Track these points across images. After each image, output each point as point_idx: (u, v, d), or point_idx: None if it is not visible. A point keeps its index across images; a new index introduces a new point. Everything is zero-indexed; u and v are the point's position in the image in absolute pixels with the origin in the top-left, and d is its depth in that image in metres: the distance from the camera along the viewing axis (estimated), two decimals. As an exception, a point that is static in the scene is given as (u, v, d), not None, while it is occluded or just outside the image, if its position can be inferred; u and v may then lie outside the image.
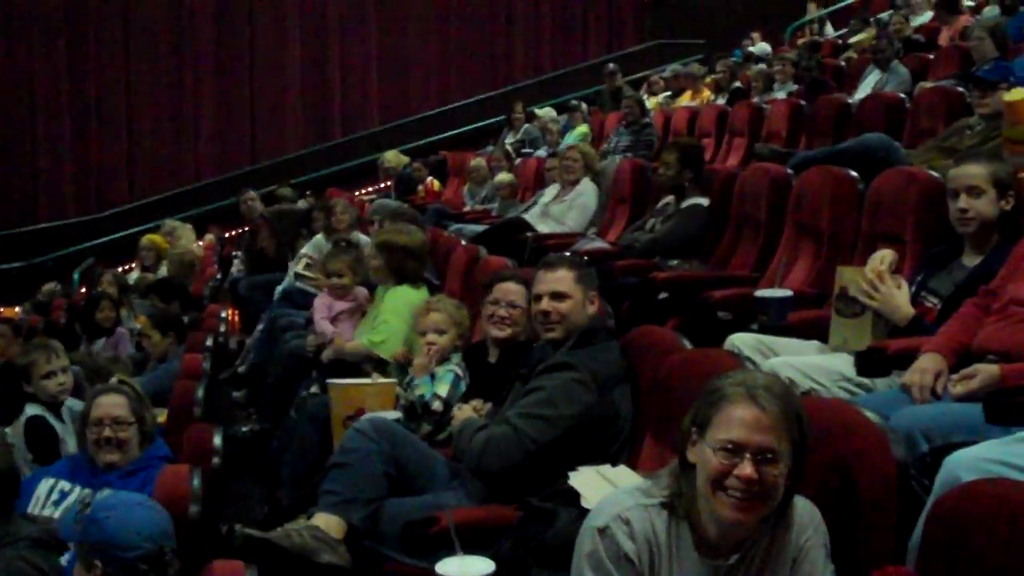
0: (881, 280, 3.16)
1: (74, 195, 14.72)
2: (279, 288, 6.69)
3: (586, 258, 4.30)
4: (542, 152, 10.40)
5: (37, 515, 3.48)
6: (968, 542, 1.90)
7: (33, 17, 14.41)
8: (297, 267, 6.68)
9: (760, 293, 3.83)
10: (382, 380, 4.10)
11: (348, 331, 5.00)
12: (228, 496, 4.24)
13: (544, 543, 2.69)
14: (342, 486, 3.14)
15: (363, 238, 6.54)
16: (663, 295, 4.72)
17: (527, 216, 6.89)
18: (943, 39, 8.26)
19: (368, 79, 15.92)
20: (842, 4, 14.10)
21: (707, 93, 10.96)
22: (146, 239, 9.30)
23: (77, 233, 14.21)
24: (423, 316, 4.14)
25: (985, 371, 2.61)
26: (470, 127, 15.44)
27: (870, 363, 3.00)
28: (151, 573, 2.55)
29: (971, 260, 3.32)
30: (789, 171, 5.02)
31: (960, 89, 5.76)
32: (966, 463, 2.19)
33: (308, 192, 10.99)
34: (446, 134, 15.28)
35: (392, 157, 11.29)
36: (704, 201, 5.46)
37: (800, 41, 11.89)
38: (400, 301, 4.70)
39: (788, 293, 3.77)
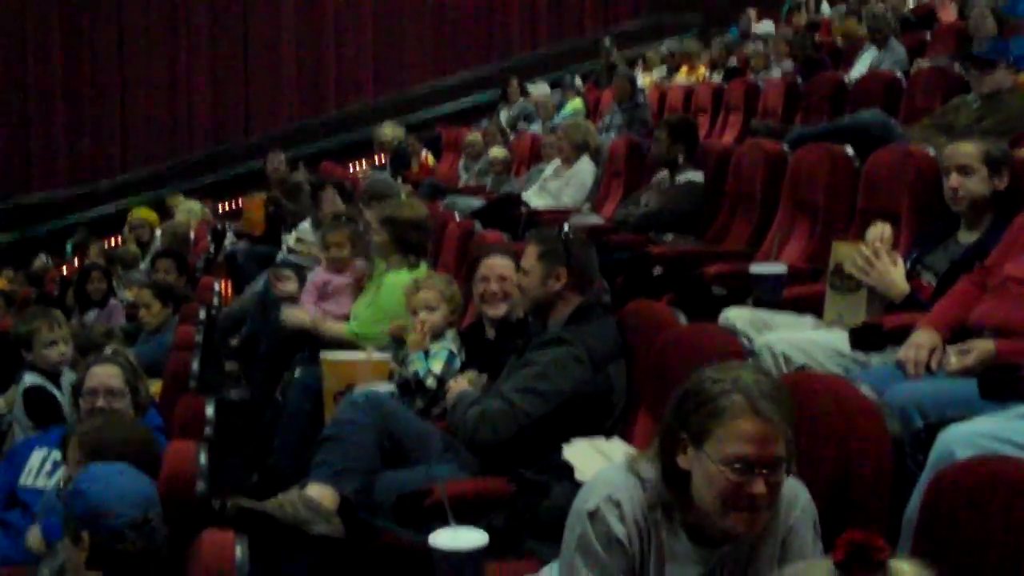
0: (878, 256, 3.15)
1: (67, 167, 14.62)
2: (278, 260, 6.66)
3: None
4: (537, 127, 10.36)
5: (30, 486, 3.49)
6: (966, 518, 1.90)
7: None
8: (289, 240, 6.66)
9: (755, 268, 3.78)
10: (376, 355, 4.04)
11: (346, 305, 4.91)
12: (217, 466, 4.22)
13: (537, 515, 2.70)
14: (335, 457, 3.13)
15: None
16: (657, 270, 4.71)
17: (528, 192, 6.87)
18: (947, 15, 8.19)
19: (364, 53, 15.80)
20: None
21: (703, 70, 10.93)
22: (137, 214, 9.24)
23: (70, 205, 14.13)
24: (412, 295, 4.08)
25: (980, 347, 2.62)
26: (466, 101, 15.35)
27: (864, 338, 3.00)
28: (139, 540, 2.54)
29: (967, 237, 3.33)
30: (785, 147, 5.02)
31: (957, 68, 5.75)
32: (961, 439, 2.19)
33: (300, 163, 10.87)
34: (442, 108, 15.20)
35: (389, 130, 10.98)
36: (699, 176, 5.44)
37: (795, 19, 11.83)
38: (398, 293, 4.45)
39: (783, 268, 3.73)
